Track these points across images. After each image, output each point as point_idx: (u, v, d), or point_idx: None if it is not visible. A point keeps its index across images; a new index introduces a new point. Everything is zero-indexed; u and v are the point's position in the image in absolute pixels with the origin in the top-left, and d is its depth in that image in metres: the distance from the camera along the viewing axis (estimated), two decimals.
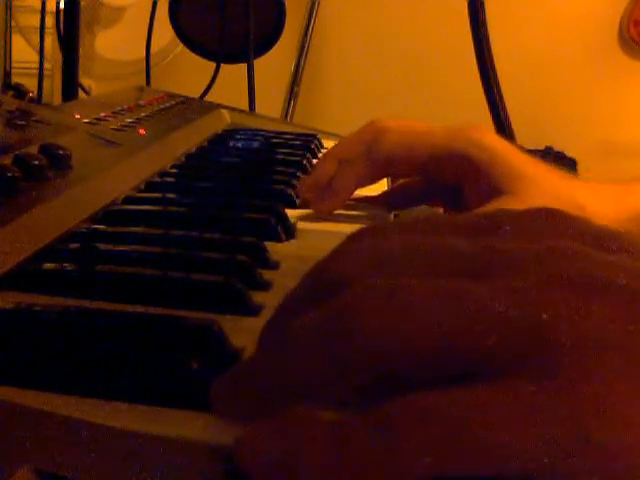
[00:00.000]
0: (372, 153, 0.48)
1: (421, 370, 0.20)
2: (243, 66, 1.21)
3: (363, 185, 0.50)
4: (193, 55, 1.34)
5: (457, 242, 0.23)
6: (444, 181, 0.48)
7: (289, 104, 1.79)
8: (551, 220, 0.24)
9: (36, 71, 1.32)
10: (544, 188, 0.44)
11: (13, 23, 1.54)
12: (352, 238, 0.26)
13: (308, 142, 0.72)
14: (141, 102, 0.80)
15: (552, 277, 0.21)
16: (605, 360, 0.19)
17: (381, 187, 0.54)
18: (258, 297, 0.33)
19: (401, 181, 0.55)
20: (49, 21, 1.35)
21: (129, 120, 0.68)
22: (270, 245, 0.41)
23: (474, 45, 1.07)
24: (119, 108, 0.72)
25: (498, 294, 0.20)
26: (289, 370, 0.22)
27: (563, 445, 0.18)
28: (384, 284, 0.21)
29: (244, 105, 1.14)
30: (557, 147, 2.05)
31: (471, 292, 0.21)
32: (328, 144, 0.75)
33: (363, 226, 0.27)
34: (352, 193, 0.50)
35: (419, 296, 0.21)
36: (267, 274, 0.37)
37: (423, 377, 0.20)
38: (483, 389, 0.19)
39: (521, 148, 0.47)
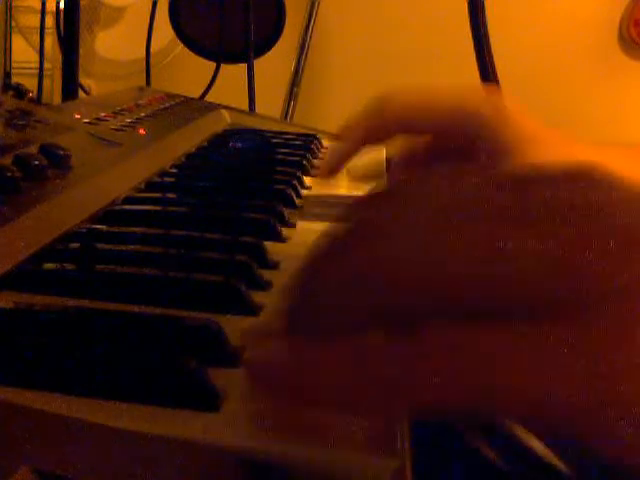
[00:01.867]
0: (384, 111, 0.47)
1: (454, 306, 0.20)
2: (243, 66, 1.21)
3: (373, 141, 0.49)
4: (193, 55, 1.34)
5: (492, 192, 0.23)
6: (454, 143, 0.46)
7: (289, 104, 1.79)
8: (586, 177, 0.24)
9: (36, 71, 1.32)
10: (557, 152, 0.43)
11: (13, 23, 1.54)
12: (388, 189, 0.25)
13: (308, 142, 0.72)
14: (141, 102, 0.80)
15: (591, 227, 0.20)
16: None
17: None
18: (258, 297, 0.33)
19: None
20: (49, 21, 1.36)
21: (129, 120, 0.68)
22: (270, 245, 0.41)
23: (474, 45, 1.07)
24: (119, 108, 0.72)
25: (536, 239, 0.20)
26: (324, 309, 0.22)
27: (593, 391, 0.18)
28: (425, 223, 0.21)
29: (244, 105, 1.14)
30: None
31: (507, 236, 0.20)
32: (328, 144, 0.75)
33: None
34: (360, 145, 0.48)
35: (458, 235, 0.21)
36: (267, 274, 0.37)
37: (455, 313, 0.20)
38: (515, 329, 0.19)
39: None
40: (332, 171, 0.49)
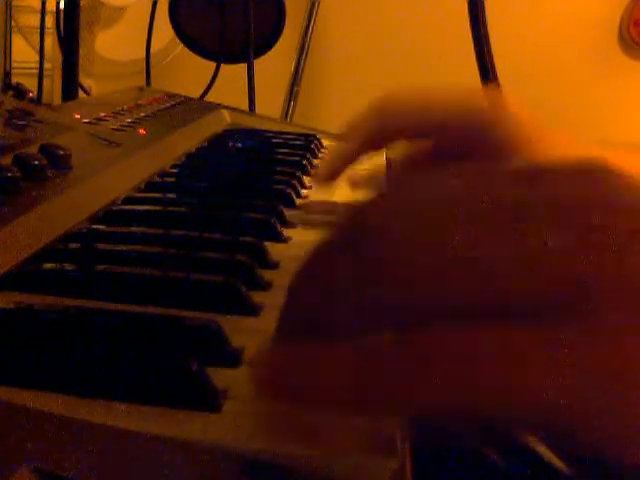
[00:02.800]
0: (384, 116, 0.46)
1: (461, 307, 0.20)
2: (243, 66, 1.21)
3: (373, 147, 0.48)
4: (193, 55, 1.34)
5: (498, 188, 0.23)
6: (456, 146, 0.45)
7: (289, 104, 1.79)
8: (592, 174, 0.23)
9: (36, 71, 1.32)
10: (561, 151, 0.43)
11: (13, 23, 1.54)
12: (392, 184, 0.25)
13: (308, 142, 0.72)
14: (141, 102, 0.80)
15: (599, 229, 0.20)
16: None
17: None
18: (258, 297, 0.33)
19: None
20: (49, 21, 1.36)
21: (129, 120, 0.68)
22: (270, 245, 0.41)
23: (474, 45, 1.07)
24: (119, 108, 0.72)
25: (541, 240, 0.20)
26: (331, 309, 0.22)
27: (607, 394, 0.18)
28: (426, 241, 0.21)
29: (244, 105, 1.14)
30: None
31: (512, 236, 0.20)
32: (328, 144, 0.75)
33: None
34: (361, 151, 0.47)
35: (461, 246, 0.20)
36: (267, 274, 0.37)
37: (461, 315, 0.20)
38: (525, 333, 0.19)
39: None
40: (330, 177, 0.48)
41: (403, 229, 0.21)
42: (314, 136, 0.75)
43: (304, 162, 0.63)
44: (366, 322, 0.21)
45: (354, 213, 0.23)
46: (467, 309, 0.20)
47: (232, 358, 0.27)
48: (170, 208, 0.47)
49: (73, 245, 0.38)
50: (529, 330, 0.19)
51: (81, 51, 0.98)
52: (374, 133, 0.47)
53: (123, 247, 0.38)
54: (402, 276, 0.20)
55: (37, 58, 1.33)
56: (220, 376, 0.25)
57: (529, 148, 0.42)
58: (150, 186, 0.52)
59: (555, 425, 0.19)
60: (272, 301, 0.33)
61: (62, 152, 0.47)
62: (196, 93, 1.13)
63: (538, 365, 0.18)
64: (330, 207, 0.51)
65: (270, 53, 1.31)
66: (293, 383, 0.21)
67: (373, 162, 0.54)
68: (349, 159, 0.48)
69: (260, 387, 0.22)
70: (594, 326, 0.19)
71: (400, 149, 0.50)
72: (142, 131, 0.64)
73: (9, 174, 0.40)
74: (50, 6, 1.31)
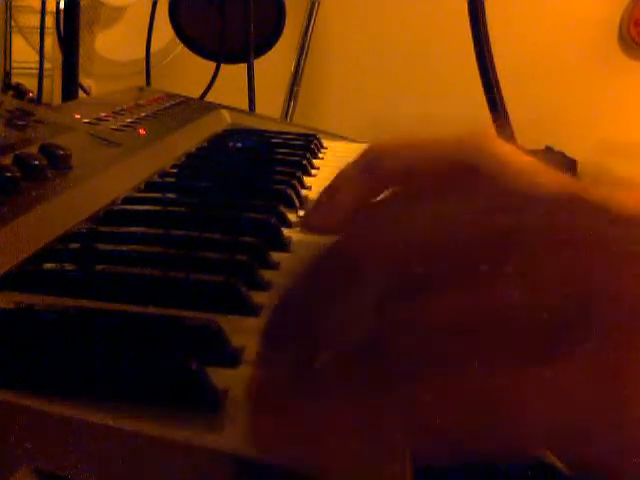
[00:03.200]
0: (372, 169, 0.44)
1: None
2: (243, 66, 1.21)
3: (363, 200, 0.46)
4: (193, 55, 1.34)
5: (486, 215, 0.23)
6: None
7: (289, 104, 1.79)
8: (575, 204, 0.24)
9: (36, 71, 1.32)
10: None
11: (13, 23, 1.54)
12: (370, 209, 0.25)
13: (308, 142, 0.72)
14: (141, 102, 0.80)
15: (589, 254, 0.20)
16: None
17: None
18: (258, 297, 0.33)
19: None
20: (49, 21, 1.36)
21: (129, 120, 0.68)
22: (270, 245, 0.41)
23: (474, 45, 1.07)
24: (119, 108, 0.72)
25: (524, 273, 0.20)
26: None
27: (596, 423, 0.18)
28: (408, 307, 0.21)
29: (244, 105, 1.14)
30: (557, 147, 2.05)
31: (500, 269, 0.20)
32: (328, 144, 0.75)
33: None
34: (350, 207, 0.42)
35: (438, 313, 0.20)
36: (267, 274, 0.37)
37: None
38: (510, 367, 0.19)
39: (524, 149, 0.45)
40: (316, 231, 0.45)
41: (390, 254, 0.21)
42: (314, 136, 0.75)
43: (304, 162, 0.63)
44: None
45: (338, 247, 0.23)
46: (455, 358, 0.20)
47: (232, 358, 0.27)
48: (170, 208, 0.47)
49: (73, 245, 0.38)
50: (525, 366, 0.19)
51: (81, 51, 0.98)
52: (365, 188, 0.44)
53: (123, 247, 0.38)
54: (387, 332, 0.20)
55: (37, 58, 1.33)
56: (220, 376, 0.25)
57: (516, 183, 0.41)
58: (150, 186, 0.52)
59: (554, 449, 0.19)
60: (272, 301, 0.33)
61: (62, 152, 0.47)
62: (196, 93, 1.13)
63: (521, 401, 0.18)
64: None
65: (270, 53, 1.31)
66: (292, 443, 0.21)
67: None
68: (341, 208, 0.44)
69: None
70: (588, 358, 0.19)
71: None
72: (142, 131, 0.64)
73: (9, 174, 0.40)
74: (50, 6, 1.31)
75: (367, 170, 0.42)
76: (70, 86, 0.96)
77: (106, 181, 0.48)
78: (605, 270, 0.20)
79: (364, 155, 0.42)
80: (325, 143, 0.75)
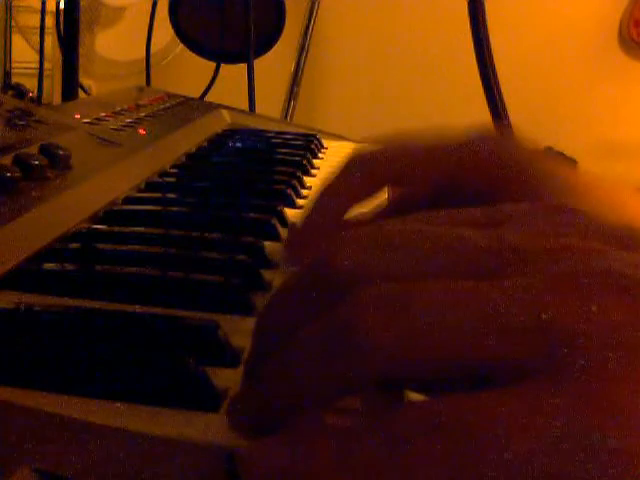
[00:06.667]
0: (373, 169, 0.40)
1: (430, 378, 0.20)
2: (243, 66, 1.21)
3: (359, 201, 0.40)
4: (193, 55, 1.34)
5: (466, 231, 0.23)
6: (463, 194, 0.39)
7: (289, 104, 1.79)
8: (563, 215, 0.24)
9: (36, 71, 1.32)
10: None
11: (13, 23, 1.54)
12: (349, 225, 0.25)
13: (308, 142, 0.72)
14: (141, 102, 0.80)
15: (565, 277, 0.20)
16: (610, 363, 0.18)
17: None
18: (258, 297, 0.33)
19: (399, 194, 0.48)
20: (49, 21, 1.36)
21: (129, 120, 0.68)
22: (270, 245, 0.41)
23: (474, 45, 1.07)
24: (119, 108, 0.72)
25: (511, 298, 0.20)
26: (296, 384, 0.21)
27: (571, 450, 0.18)
28: (388, 293, 0.21)
29: (244, 105, 1.14)
30: (557, 147, 2.05)
31: (482, 298, 0.20)
32: (328, 144, 0.75)
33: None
34: (345, 209, 0.39)
35: (423, 308, 0.20)
36: (267, 274, 0.37)
37: (430, 384, 0.20)
38: (492, 396, 0.19)
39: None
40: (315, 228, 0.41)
41: (368, 290, 0.21)
42: (314, 136, 0.75)
43: (304, 162, 0.63)
44: (339, 392, 0.21)
45: (318, 260, 0.23)
46: (437, 380, 0.20)
47: (232, 358, 0.27)
48: (170, 208, 0.47)
49: (73, 245, 0.38)
50: (491, 395, 0.19)
51: (81, 51, 0.98)
52: (360, 184, 0.38)
53: (123, 247, 0.38)
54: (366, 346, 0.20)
55: (37, 58, 1.33)
56: (220, 376, 0.25)
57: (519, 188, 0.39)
58: (150, 186, 0.52)
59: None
60: None
61: (62, 152, 0.47)
62: (196, 93, 1.13)
63: (502, 430, 0.18)
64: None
65: (270, 53, 1.31)
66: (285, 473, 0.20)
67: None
68: (334, 211, 0.40)
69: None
70: (556, 381, 0.19)
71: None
72: (142, 131, 0.64)
73: (9, 174, 0.40)
74: (50, 6, 1.32)
75: (362, 168, 0.39)
76: (70, 86, 0.96)
77: (106, 181, 0.48)
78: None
79: (346, 168, 0.38)
80: (325, 143, 0.76)
